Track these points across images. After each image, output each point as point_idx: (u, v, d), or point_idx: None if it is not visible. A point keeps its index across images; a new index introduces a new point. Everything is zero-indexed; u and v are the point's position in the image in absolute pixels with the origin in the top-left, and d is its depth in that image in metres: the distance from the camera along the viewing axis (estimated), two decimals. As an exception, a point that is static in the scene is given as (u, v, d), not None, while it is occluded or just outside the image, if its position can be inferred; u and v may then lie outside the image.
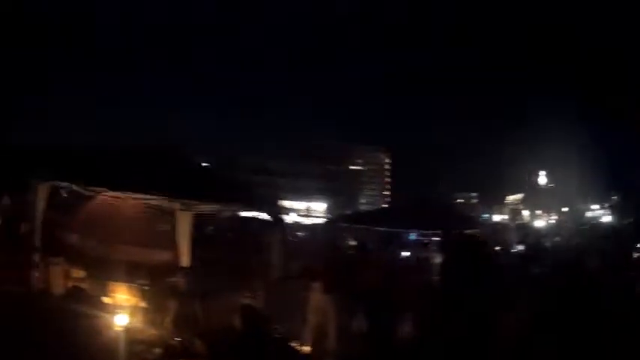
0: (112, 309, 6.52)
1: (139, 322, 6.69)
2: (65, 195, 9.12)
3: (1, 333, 5.58)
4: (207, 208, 9.01)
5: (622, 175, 61.50)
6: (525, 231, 31.84)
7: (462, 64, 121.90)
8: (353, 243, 13.92)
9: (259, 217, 14.09)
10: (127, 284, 7.43)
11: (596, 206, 68.51)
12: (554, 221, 63.51)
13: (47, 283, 7.30)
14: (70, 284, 7.59)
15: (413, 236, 16.14)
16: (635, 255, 12.33)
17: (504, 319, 6.14)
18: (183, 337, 6.16)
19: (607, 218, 53.30)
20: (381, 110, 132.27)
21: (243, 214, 14.51)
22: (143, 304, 7.23)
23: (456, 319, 6.30)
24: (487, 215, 72.79)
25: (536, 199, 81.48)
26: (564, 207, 72.67)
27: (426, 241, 15.79)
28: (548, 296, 6.94)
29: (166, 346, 6.13)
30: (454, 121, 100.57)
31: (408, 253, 15.14)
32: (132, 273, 7.70)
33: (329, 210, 72.20)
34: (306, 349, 6.37)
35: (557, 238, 18.90)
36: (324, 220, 41.32)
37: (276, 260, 8.60)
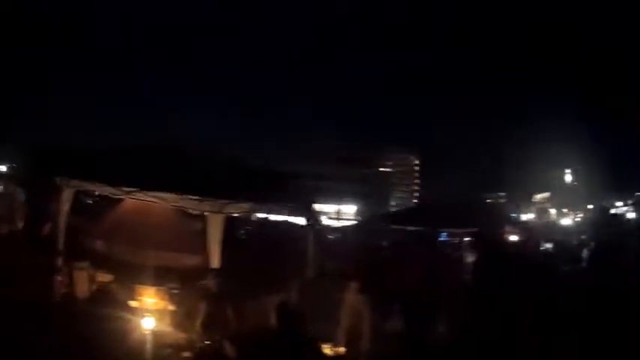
0: (139, 312, 6.36)
1: (167, 326, 6.54)
2: (90, 200, 8.92)
3: (25, 337, 5.42)
4: (238, 210, 8.70)
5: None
6: (553, 229, 31.18)
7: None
8: (386, 243, 13.55)
9: (290, 219, 13.83)
10: (155, 287, 7.20)
11: (619, 203, 67.96)
12: (580, 219, 62.97)
13: (71, 287, 7.15)
14: (95, 288, 7.42)
15: (443, 236, 15.69)
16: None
17: (534, 320, 6.09)
18: (213, 340, 5.89)
19: (631, 215, 51.82)
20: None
21: (275, 217, 14.23)
22: (172, 308, 7.01)
23: (488, 319, 6.17)
24: (515, 214, 71.96)
25: (562, 197, 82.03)
26: (589, 204, 71.79)
27: (457, 240, 15.33)
28: (581, 296, 6.84)
29: (195, 349, 5.89)
30: (476, 121, 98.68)
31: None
32: (161, 277, 7.48)
33: (359, 212, 71.74)
34: (341, 350, 6.07)
35: (584, 236, 18.24)
36: (356, 221, 40.83)
37: (310, 261, 8.30)
